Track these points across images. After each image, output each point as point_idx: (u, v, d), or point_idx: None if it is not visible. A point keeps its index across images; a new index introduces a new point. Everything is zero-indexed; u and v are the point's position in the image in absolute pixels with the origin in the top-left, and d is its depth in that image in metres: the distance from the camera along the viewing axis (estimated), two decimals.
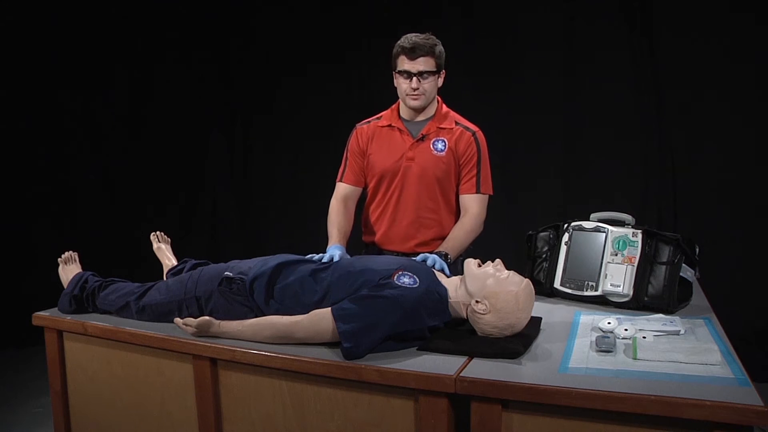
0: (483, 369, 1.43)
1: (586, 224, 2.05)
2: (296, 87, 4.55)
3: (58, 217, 4.51)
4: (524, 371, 1.41)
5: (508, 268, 1.66)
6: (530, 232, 2.21)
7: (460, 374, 1.39)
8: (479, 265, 1.66)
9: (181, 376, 1.78)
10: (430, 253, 2.03)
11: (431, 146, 2.26)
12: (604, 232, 1.98)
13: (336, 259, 1.92)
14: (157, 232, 2.44)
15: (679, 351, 1.41)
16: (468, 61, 4.06)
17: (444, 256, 2.05)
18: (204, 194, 4.85)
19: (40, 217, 4.46)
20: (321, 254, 1.95)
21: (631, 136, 3.79)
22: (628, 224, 2.00)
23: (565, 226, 2.11)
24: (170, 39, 4.68)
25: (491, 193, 2.32)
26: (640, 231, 1.93)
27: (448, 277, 1.81)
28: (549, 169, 3.96)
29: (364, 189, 2.42)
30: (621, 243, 1.93)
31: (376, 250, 2.39)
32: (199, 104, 4.73)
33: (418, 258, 1.94)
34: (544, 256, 2.15)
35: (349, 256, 2.06)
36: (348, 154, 2.39)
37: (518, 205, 4.01)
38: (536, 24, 3.92)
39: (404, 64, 2.19)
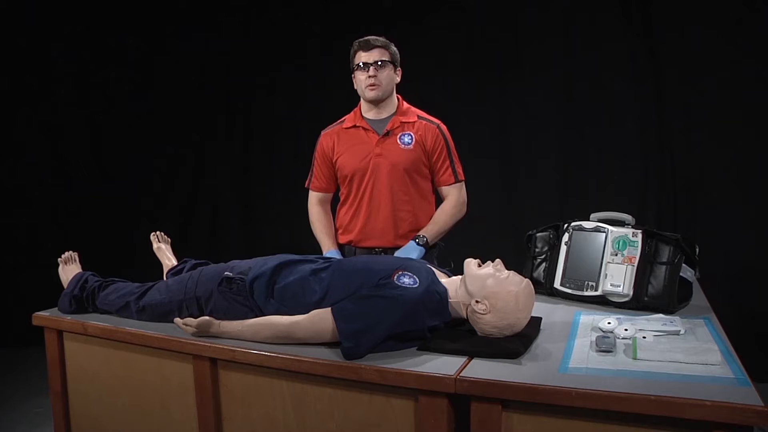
0: (483, 369, 1.43)
1: (586, 224, 2.06)
2: (296, 85, 4.55)
3: (58, 217, 4.51)
4: (524, 371, 1.41)
5: (508, 268, 1.66)
6: (530, 232, 2.22)
7: (460, 374, 1.39)
8: (479, 265, 1.67)
9: (181, 376, 1.78)
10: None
11: (398, 140, 2.34)
12: (604, 232, 1.98)
13: None
14: (157, 232, 2.44)
15: (679, 351, 1.41)
16: (467, 59, 4.07)
17: (423, 241, 2.25)
18: (204, 194, 4.84)
19: (40, 217, 4.46)
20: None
21: (631, 135, 3.78)
22: (628, 224, 2.00)
23: (565, 226, 2.11)
24: (169, 37, 4.68)
25: (464, 178, 2.43)
26: (640, 231, 1.93)
27: (449, 276, 1.81)
28: (549, 169, 3.96)
29: (336, 193, 2.49)
30: (621, 243, 1.93)
31: (352, 249, 2.42)
32: (198, 104, 4.73)
33: (397, 253, 2.13)
34: (544, 256, 2.15)
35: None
36: (315, 161, 2.48)
37: (518, 205, 4.01)
38: (535, 23, 3.92)
39: (361, 57, 2.32)
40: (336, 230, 2.48)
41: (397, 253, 2.25)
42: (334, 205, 2.52)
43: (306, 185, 2.51)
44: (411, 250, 2.24)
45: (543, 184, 3.97)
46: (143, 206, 4.71)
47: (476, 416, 1.38)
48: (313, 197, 2.49)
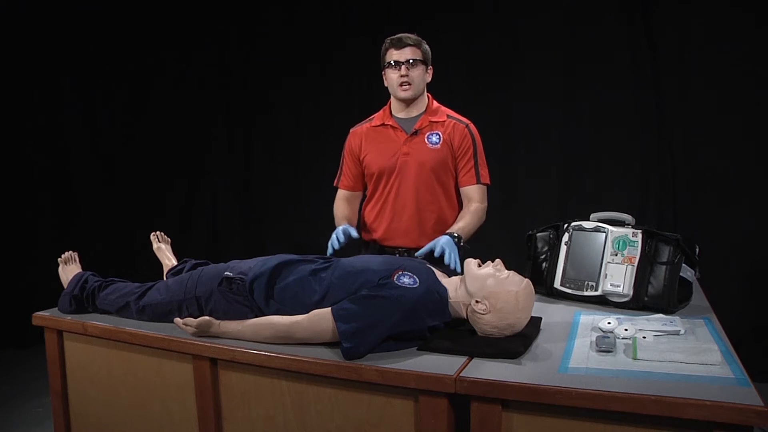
0: (483, 369, 1.43)
1: (586, 224, 2.05)
2: (296, 87, 4.55)
3: (58, 217, 4.51)
4: (524, 371, 1.41)
5: (508, 268, 1.66)
6: (530, 232, 2.22)
7: (460, 374, 1.39)
8: (479, 265, 1.67)
9: (181, 376, 1.78)
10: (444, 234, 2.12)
11: (426, 140, 2.31)
12: (604, 232, 1.98)
13: (341, 235, 2.11)
14: (157, 232, 2.44)
15: (679, 351, 1.41)
16: (468, 61, 4.07)
17: (456, 239, 2.10)
18: (204, 194, 4.85)
19: (40, 217, 4.46)
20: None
21: (631, 136, 3.78)
22: (628, 224, 2.00)
23: (565, 226, 2.11)
24: (170, 39, 4.68)
25: (489, 183, 2.37)
26: (640, 231, 1.93)
27: (449, 276, 1.81)
28: (549, 169, 3.96)
29: (364, 191, 2.45)
30: (621, 243, 1.93)
31: (377, 247, 2.40)
32: (199, 105, 4.73)
33: (426, 247, 2.00)
34: (544, 256, 2.15)
35: (355, 230, 2.17)
36: (343, 158, 2.46)
37: (518, 205, 4.01)
38: (536, 23, 3.92)
39: (392, 55, 2.28)
40: (361, 228, 2.45)
41: (429, 245, 2.08)
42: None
43: (335, 184, 2.48)
44: (447, 244, 2.07)
45: (543, 183, 3.97)
46: (143, 206, 4.71)
47: (476, 416, 1.38)
48: (340, 194, 2.46)
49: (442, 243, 2.04)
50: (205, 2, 4.66)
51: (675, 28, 3.62)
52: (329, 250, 2.14)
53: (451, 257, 2.02)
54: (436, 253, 2.02)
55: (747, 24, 3.45)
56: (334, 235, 2.15)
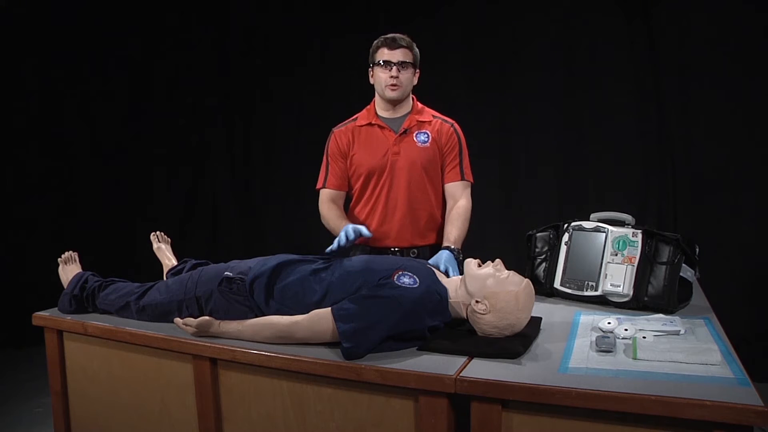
0: (483, 369, 1.42)
1: (586, 224, 2.06)
2: (296, 86, 4.55)
3: (59, 217, 4.51)
4: (524, 371, 1.41)
5: (508, 268, 1.66)
6: (530, 232, 2.22)
7: (460, 374, 1.39)
8: (479, 265, 1.67)
9: (181, 376, 1.78)
10: (443, 248, 2.11)
11: (414, 138, 2.32)
12: (604, 232, 1.98)
13: (350, 232, 1.92)
14: (157, 232, 2.44)
15: (679, 351, 1.41)
16: (467, 60, 4.07)
17: (455, 252, 2.10)
18: (204, 194, 4.84)
19: (41, 217, 4.46)
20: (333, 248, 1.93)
21: (631, 135, 3.79)
22: (628, 224, 2.00)
23: (565, 226, 2.11)
24: (170, 37, 4.68)
25: (473, 182, 2.39)
26: (640, 231, 1.93)
27: (449, 277, 1.81)
28: (549, 169, 3.96)
29: (348, 192, 2.44)
30: (621, 243, 1.93)
31: (368, 249, 2.38)
32: (199, 104, 4.73)
33: (431, 261, 1.98)
34: (544, 256, 2.15)
35: (364, 228, 2.00)
36: (328, 159, 2.42)
37: (518, 205, 4.01)
38: (535, 22, 3.92)
39: (384, 54, 2.28)
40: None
41: (432, 261, 2.04)
42: (345, 209, 2.47)
43: (318, 187, 2.42)
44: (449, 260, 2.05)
45: (543, 183, 3.97)
46: (143, 206, 4.71)
47: (476, 416, 1.38)
48: (326, 195, 2.38)
49: (445, 260, 2.02)
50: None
51: (675, 28, 3.62)
52: (334, 246, 1.94)
53: (456, 275, 1.99)
54: (442, 270, 1.97)
55: (747, 24, 3.45)
56: (342, 232, 1.93)
